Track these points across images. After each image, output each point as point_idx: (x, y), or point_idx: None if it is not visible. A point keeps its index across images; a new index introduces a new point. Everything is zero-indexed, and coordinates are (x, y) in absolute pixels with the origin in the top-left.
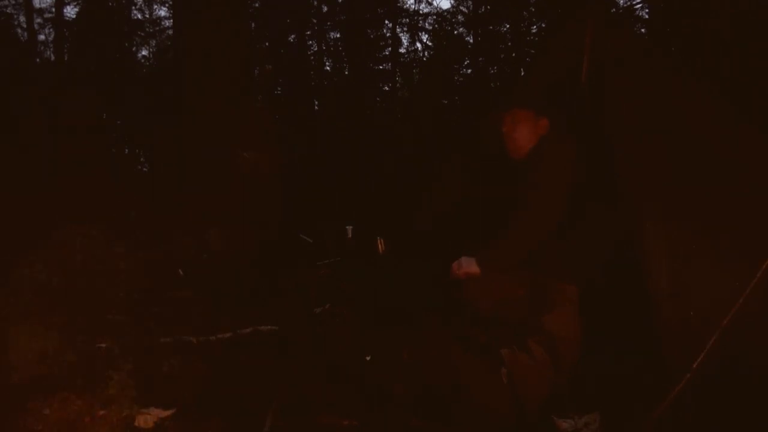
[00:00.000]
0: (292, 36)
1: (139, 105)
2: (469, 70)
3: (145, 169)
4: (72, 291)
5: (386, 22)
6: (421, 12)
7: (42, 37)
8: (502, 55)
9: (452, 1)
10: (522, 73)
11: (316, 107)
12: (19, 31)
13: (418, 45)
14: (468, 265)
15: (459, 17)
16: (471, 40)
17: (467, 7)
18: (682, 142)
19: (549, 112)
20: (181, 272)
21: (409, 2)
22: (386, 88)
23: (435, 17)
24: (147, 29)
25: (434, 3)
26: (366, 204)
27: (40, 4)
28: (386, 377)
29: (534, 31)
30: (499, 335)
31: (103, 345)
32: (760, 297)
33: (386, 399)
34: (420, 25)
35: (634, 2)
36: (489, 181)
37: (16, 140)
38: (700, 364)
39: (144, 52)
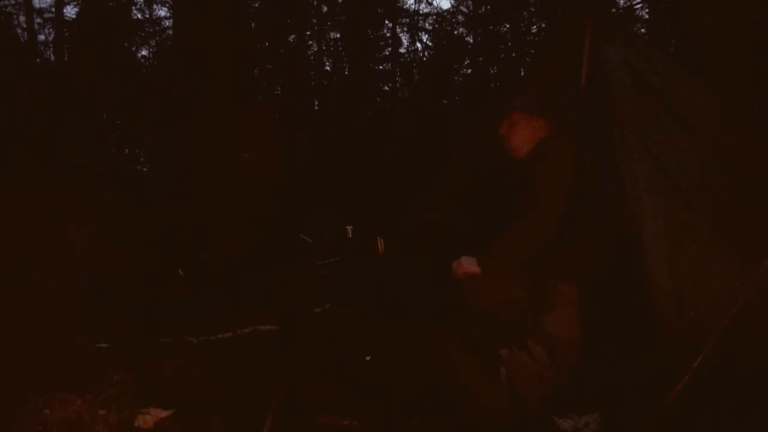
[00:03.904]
0: (292, 36)
1: (138, 105)
2: (469, 70)
3: (145, 169)
4: (72, 291)
5: (386, 22)
6: (421, 12)
7: (42, 37)
8: (502, 55)
9: (452, 1)
10: (522, 73)
11: (316, 107)
12: (19, 31)
13: (418, 45)
14: (468, 265)
15: (459, 17)
16: (471, 40)
17: (467, 7)
18: (682, 142)
19: (544, 113)
20: (181, 272)
21: (409, 2)
22: (386, 88)
23: (435, 17)
24: (147, 29)
25: (434, 3)
26: (366, 204)
27: (40, 4)
28: (386, 377)
29: (534, 31)
30: (499, 335)
31: (103, 345)
32: (760, 297)
33: (386, 399)
34: (420, 25)
35: (634, 2)
36: (490, 180)
37: (15, 140)
38: (700, 364)
39: (144, 52)
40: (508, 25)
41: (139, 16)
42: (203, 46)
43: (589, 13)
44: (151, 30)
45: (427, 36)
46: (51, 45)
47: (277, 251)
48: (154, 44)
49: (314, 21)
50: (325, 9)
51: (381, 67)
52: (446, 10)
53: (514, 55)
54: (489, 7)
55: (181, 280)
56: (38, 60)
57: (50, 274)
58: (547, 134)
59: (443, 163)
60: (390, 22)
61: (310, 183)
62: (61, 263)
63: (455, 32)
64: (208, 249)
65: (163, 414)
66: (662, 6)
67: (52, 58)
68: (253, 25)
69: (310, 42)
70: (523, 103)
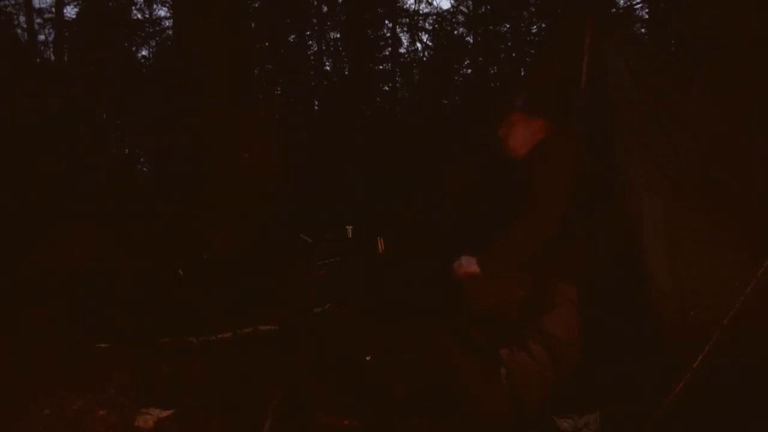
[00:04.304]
0: (292, 36)
1: (139, 105)
2: (469, 70)
3: (145, 169)
4: (72, 291)
5: (386, 22)
6: (421, 12)
7: (42, 37)
8: (502, 55)
9: (452, 1)
10: (522, 73)
11: (316, 107)
12: (19, 31)
13: (418, 45)
14: (468, 265)
15: (459, 17)
16: (471, 40)
17: (467, 7)
18: (683, 142)
19: (544, 113)
20: (181, 272)
21: (409, 2)
22: (386, 88)
23: (435, 17)
24: (147, 29)
25: (434, 3)
26: (366, 203)
27: (40, 4)
28: (386, 377)
29: (534, 31)
30: (499, 335)
31: (103, 345)
32: (760, 297)
33: (386, 399)
34: (420, 25)
35: (634, 2)
36: (490, 180)
37: (16, 141)
38: (700, 364)
39: (144, 52)
40: (508, 25)
41: (139, 16)
42: (203, 46)
43: (589, 13)
44: (151, 30)
45: (427, 36)
46: (51, 45)
47: (277, 251)
48: (154, 44)
49: (314, 21)
50: (325, 9)
51: (381, 67)
52: (446, 10)
53: (514, 55)
54: (489, 7)
55: (181, 280)
56: (38, 60)
57: (50, 274)
58: (547, 134)
59: (443, 162)
60: (390, 22)
61: (310, 183)
62: (61, 263)
63: (455, 32)
64: (208, 249)
65: (163, 414)
66: (662, 6)
67: (52, 58)
68: (253, 25)
69: (310, 42)
70: (523, 103)
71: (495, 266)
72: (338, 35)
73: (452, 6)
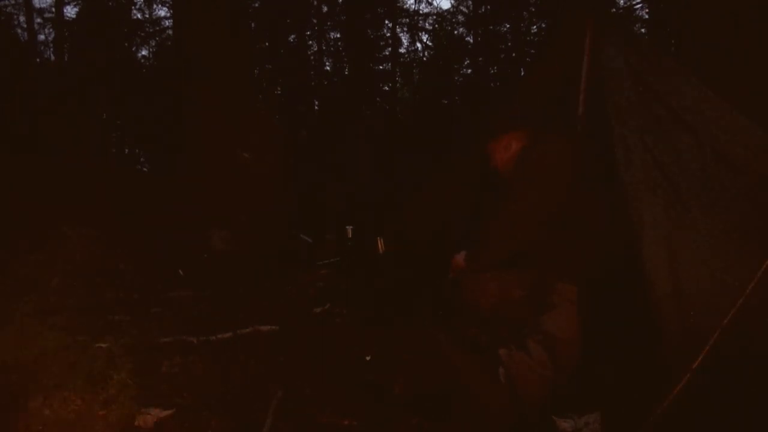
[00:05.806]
0: (292, 36)
1: (139, 105)
2: (469, 70)
3: (145, 169)
4: (72, 291)
5: (386, 22)
6: (421, 12)
7: (42, 37)
8: (502, 55)
9: (452, 1)
10: (522, 73)
11: (316, 107)
12: (19, 31)
13: (418, 45)
14: (459, 259)
15: (459, 17)
16: (471, 40)
17: (467, 7)
18: (682, 142)
19: (518, 124)
20: (181, 272)
21: (409, 2)
22: (386, 88)
23: (435, 17)
24: (147, 29)
25: (434, 3)
26: (366, 204)
27: (40, 4)
28: (386, 377)
29: (534, 31)
30: (499, 335)
31: (103, 345)
32: (760, 297)
33: (386, 399)
34: (420, 25)
35: (634, 2)
36: (491, 181)
37: (16, 141)
38: (700, 364)
39: (144, 52)
40: (508, 25)
41: (139, 16)
42: (203, 46)
43: (589, 13)
44: (151, 30)
45: (427, 36)
46: (51, 45)
47: (278, 251)
48: (154, 44)
49: (314, 21)
50: (325, 9)
51: (381, 67)
52: (446, 10)
53: (514, 55)
54: (489, 7)
55: (181, 280)
56: (38, 60)
57: (50, 274)
58: (529, 141)
59: (444, 163)
60: (390, 22)
61: (310, 183)
62: (61, 263)
63: (455, 32)
64: (208, 249)
65: (163, 414)
66: (662, 6)
67: (52, 58)
68: (253, 25)
69: (310, 42)
70: (493, 130)
71: (476, 262)
72: (338, 35)
73: (452, 6)
